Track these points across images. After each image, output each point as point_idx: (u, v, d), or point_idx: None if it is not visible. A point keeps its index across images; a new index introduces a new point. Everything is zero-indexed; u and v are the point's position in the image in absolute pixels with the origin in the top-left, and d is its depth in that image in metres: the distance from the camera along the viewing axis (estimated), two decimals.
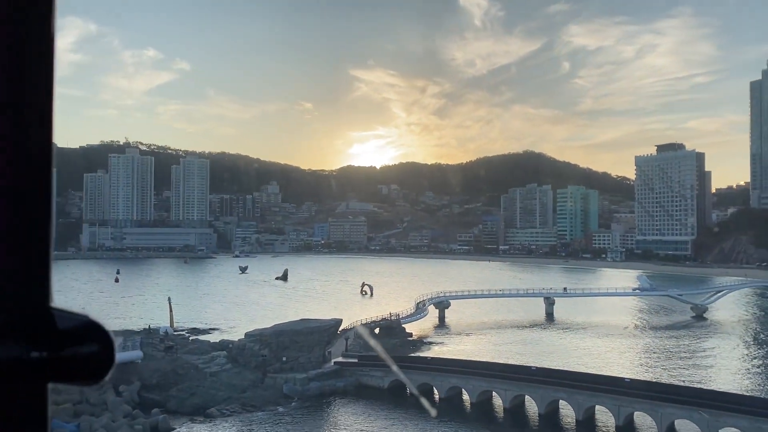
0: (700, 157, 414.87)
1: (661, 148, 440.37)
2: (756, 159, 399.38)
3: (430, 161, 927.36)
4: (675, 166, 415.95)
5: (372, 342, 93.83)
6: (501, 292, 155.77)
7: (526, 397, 71.50)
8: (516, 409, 71.29)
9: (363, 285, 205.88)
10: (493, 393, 74.02)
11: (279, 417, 68.86)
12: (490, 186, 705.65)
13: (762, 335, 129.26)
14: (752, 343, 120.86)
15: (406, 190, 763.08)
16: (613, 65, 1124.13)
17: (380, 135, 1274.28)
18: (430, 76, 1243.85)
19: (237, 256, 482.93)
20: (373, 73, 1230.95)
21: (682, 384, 76.48)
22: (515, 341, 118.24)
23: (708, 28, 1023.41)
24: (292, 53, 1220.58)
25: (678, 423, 62.39)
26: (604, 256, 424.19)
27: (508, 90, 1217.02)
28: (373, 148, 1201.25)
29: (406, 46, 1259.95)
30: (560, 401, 69.31)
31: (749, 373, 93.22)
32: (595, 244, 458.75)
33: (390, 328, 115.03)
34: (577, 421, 66.68)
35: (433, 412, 66.06)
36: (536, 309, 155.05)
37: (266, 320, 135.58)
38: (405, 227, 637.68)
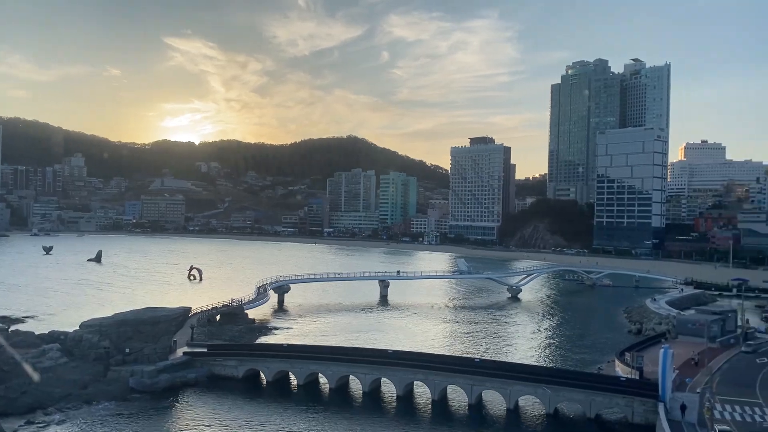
0: (507, 151, 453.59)
1: (473, 141, 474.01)
2: (553, 155, 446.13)
3: (251, 140, 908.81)
4: (485, 157, 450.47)
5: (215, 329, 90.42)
6: (339, 276, 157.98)
7: (385, 380, 73.51)
8: (375, 392, 73.06)
9: (191, 269, 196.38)
10: (353, 377, 75.08)
11: (126, 412, 63.62)
12: (315, 169, 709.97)
13: (565, 313, 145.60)
14: (558, 319, 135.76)
15: (227, 169, 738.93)
16: (428, 58, 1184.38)
17: (197, 109, 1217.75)
18: (251, 52, 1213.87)
19: (36, 235, 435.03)
20: (190, 43, 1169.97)
21: (526, 363, 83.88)
22: (355, 324, 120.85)
23: (512, 32, 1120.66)
24: (97, 12, 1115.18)
25: (523, 399, 68.37)
26: (421, 239, 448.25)
27: (330, 74, 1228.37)
28: (189, 122, 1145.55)
29: (226, 18, 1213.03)
30: (418, 383, 72.32)
31: (564, 347, 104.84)
32: (414, 228, 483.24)
33: (232, 315, 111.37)
34: (432, 401, 70.12)
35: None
36: (372, 291, 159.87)
37: (93, 307, 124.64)
38: (227, 207, 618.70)
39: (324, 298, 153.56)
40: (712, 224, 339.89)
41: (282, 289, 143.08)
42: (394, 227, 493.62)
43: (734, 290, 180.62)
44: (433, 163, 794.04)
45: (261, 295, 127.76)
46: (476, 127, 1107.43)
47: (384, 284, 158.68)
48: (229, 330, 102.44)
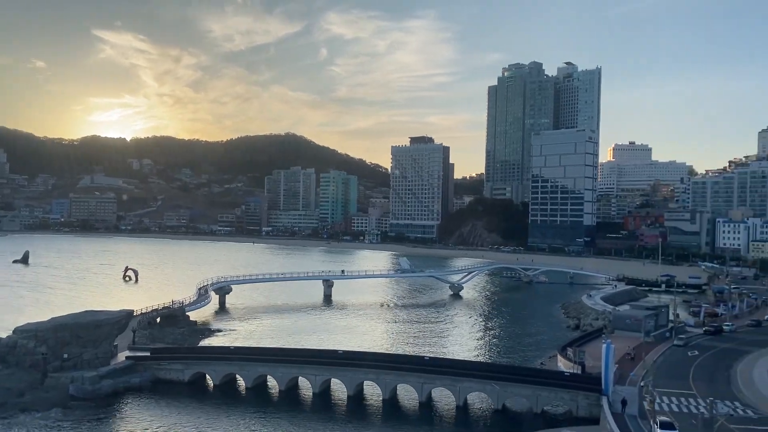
0: (446, 150, 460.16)
1: (413, 140, 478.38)
2: (490, 155, 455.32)
3: (185, 136, 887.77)
4: (425, 157, 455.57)
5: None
6: (282, 276, 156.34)
7: (335, 380, 73.35)
8: (326, 393, 72.82)
9: (126, 269, 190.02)
10: (302, 379, 74.55)
11: (67, 421, 61.09)
12: (252, 166, 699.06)
13: (505, 310, 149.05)
14: (499, 315, 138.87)
15: (160, 166, 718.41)
16: (367, 57, 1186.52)
17: (128, 104, 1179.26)
18: (184, 46, 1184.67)
19: None
20: (121, 36, 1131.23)
21: (475, 360, 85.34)
22: (300, 325, 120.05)
23: (449, 33, 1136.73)
24: (20, 0, 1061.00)
25: (473, 395, 69.63)
26: (362, 238, 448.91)
27: (267, 70, 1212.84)
28: (120, 117, 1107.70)
29: (159, 10, 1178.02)
30: (369, 382, 72.50)
31: (507, 343, 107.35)
32: (354, 227, 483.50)
33: (173, 317, 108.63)
34: (383, 400, 70.47)
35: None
36: (315, 291, 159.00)
37: (25, 312, 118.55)
38: (160, 206, 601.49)
39: (267, 299, 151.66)
40: (641, 223, 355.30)
41: (223, 290, 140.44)
42: (335, 226, 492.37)
43: (663, 286, 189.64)
44: (374, 162, 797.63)
45: (202, 296, 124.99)
46: (414, 127, 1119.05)
47: (328, 284, 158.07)
48: (171, 333, 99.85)
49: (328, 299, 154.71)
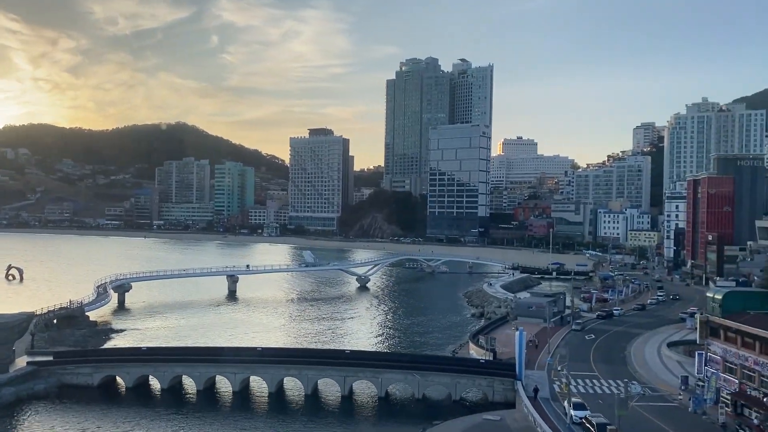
0: (345, 143, 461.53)
1: (312, 132, 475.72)
2: (389, 148, 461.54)
3: (65, 125, 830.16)
4: (325, 149, 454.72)
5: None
6: (185, 272, 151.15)
7: (257, 378, 72.52)
8: (246, 391, 71.85)
9: (9, 268, 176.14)
10: (221, 377, 73.08)
11: None
12: (140, 157, 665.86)
13: (412, 300, 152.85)
14: (407, 306, 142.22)
15: (38, 156, 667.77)
16: (260, 45, 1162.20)
17: None
18: (63, 28, 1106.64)
19: None
20: None
21: (395, 351, 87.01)
22: (207, 322, 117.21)
23: (344, 24, 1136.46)
24: None
25: (394, 386, 71.24)
26: (260, 231, 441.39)
27: (153, 56, 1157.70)
28: None
29: None
30: (291, 378, 72.26)
31: (418, 332, 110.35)
32: (252, 220, 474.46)
33: (72, 318, 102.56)
34: (306, 395, 70.58)
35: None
36: (219, 287, 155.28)
37: None
38: (39, 198, 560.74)
39: (168, 296, 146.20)
40: (530, 213, 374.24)
41: (123, 287, 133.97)
42: (232, 219, 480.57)
43: (554, 273, 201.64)
44: (270, 153, 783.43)
45: (102, 295, 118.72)
46: (310, 117, 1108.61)
47: (233, 279, 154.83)
48: (71, 334, 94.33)
49: (233, 295, 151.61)
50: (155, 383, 72.98)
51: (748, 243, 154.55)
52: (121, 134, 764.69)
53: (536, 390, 63.20)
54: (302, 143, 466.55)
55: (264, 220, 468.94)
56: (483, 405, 67.43)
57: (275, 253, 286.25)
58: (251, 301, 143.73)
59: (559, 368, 62.66)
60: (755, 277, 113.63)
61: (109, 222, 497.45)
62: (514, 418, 59.08)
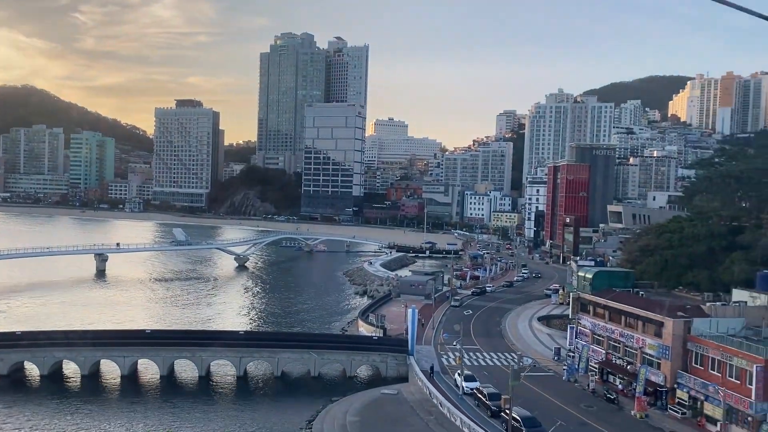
0: (216, 115, 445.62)
1: (180, 103, 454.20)
2: (263, 123, 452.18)
3: None
4: (193, 121, 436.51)
5: None
6: (48, 250, 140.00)
7: (147, 361, 70.29)
8: (136, 375, 69.49)
9: None
10: (109, 361, 69.90)
11: None
12: None
13: (294, 279, 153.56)
14: (290, 285, 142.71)
15: None
16: (117, 6, 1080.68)
17: None
18: None
19: None
20: None
21: (287, 330, 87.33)
22: (79, 302, 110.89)
23: None
24: None
25: (291, 365, 72.13)
26: (121, 206, 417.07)
27: None
28: None
29: None
30: (183, 361, 70.77)
31: (305, 311, 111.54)
32: (112, 194, 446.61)
33: None
34: (200, 377, 69.56)
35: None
36: (85, 266, 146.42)
37: None
38: None
39: (28, 276, 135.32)
40: (402, 194, 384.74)
41: None
42: (90, 193, 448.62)
43: (427, 252, 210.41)
44: (130, 123, 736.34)
45: None
46: (173, 87, 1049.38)
47: (102, 258, 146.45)
48: None
49: (102, 274, 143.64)
50: (33, 370, 68.48)
51: (600, 225, 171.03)
52: None
53: (432, 368, 66.94)
54: (169, 114, 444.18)
55: (126, 194, 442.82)
56: (376, 380, 70.33)
57: (141, 230, 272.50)
58: (124, 281, 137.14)
59: (454, 343, 66.80)
60: (610, 257, 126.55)
61: None
62: (410, 391, 62.49)
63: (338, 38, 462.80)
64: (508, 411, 48.11)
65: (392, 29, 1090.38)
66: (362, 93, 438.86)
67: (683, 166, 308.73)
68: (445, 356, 73.58)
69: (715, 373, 50.32)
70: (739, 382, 47.64)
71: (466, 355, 73.16)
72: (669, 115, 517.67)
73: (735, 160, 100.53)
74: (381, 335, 79.42)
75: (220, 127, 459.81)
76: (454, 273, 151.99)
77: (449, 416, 52.78)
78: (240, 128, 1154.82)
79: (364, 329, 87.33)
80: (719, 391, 48.99)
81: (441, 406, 55.12)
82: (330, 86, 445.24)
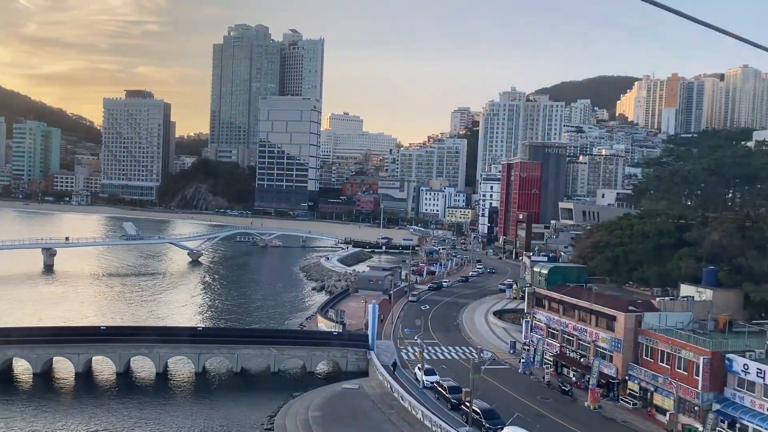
0: (167, 107, 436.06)
1: (130, 94, 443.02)
2: (216, 115, 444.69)
3: None
4: (144, 113, 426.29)
5: None
6: None
7: (103, 358, 68.91)
8: (91, 373, 68.05)
9: None
10: (62, 359, 68.22)
11: None
12: None
13: (249, 274, 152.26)
14: (245, 280, 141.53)
15: None
16: None
17: None
18: None
19: None
20: None
21: (246, 326, 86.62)
22: (23, 299, 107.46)
23: None
24: None
25: (250, 361, 71.80)
26: (68, 199, 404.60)
27: None
28: None
29: None
30: (140, 357, 69.61)
31: (262, 307, 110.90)
32: (58, 186, 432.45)
33: None
34: (157, 374, 68.58)
35: None
36: (31, 261, 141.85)
37: None
38: None
39: None
40: (357, 189, 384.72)
41: None
42: (34, 185, 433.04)
43: (383, 248, 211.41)
44: (76, 113, 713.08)
45: None
46: (121, 77, 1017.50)
47: (50, 252, 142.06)
48: None
49: (50, 269, 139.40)
50: None
51: (552, 222, 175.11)
52: None
53: (395, 363, 67.69)
54: (118, 105, 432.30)
55: (72, 187, 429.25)
56: (337, 375, 70.73)
57: (89, 224, 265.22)
58: (74, 277, 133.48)
59: (415, 338, 67.70)
60: (562, 253, 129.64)
61: None
62: (371, 385, 63.13)
63: (293, 31, 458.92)
64: (468, 404, 49.27)
65: (347, 24, 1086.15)
66: (317, 87, 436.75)
67: (630, 164, 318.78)
68: (404, 350, 74.51)
69: (664, 365, 52.61)
70: (686, 373, 49.97)
71: (424, 349, 74.34)
72: (617, 115, 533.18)
73: (682, 160, 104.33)
74: (341, 330, 79.81)
75: (171, 119, 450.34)
76: (411, 269, 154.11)
77: (410, 410, 53.64)
78: (192, 120, 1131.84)
79: (323, 325, 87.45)
80: (669, 382, 51.28)
81: (402, 399, 55.93)
82: (285, 79, 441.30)
